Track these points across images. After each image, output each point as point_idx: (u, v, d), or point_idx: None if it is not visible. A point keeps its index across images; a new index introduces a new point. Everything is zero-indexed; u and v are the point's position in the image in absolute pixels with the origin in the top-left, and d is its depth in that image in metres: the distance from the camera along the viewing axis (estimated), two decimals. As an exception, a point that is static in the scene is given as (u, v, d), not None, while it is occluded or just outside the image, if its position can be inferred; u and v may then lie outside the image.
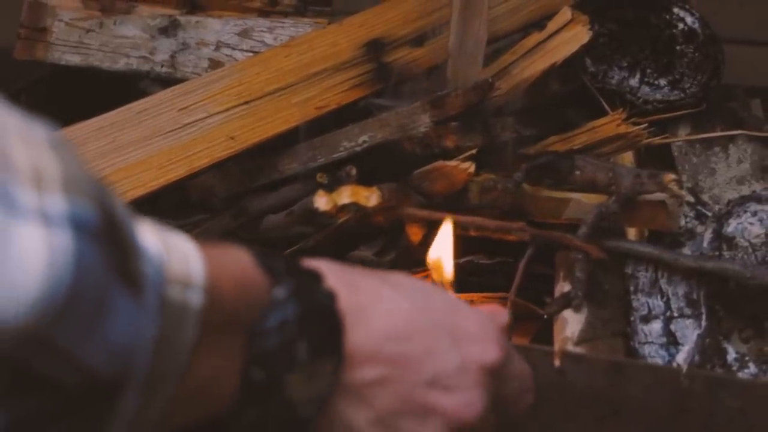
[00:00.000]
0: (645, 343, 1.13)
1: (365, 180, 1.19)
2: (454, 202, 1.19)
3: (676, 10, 1.34)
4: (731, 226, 1.17)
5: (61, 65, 1.38)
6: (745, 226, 1.17)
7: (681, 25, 1.34)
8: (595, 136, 1.24)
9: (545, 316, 1.13)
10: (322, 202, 1.16)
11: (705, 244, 1.18)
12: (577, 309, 1.12)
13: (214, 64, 1.34)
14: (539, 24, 1.29)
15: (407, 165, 1.20)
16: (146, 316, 0.47)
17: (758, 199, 1.19)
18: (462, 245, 1.14)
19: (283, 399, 0.56)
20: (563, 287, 1.15)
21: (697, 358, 1.11)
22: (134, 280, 0.46)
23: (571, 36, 1.25)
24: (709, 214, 1.23)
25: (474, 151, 1.19)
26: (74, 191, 0.44)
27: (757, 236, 1.16)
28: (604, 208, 1.14)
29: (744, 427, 1.01)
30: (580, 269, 1.14)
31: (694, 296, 1.15)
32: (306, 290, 0.57)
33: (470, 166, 1.18)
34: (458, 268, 1.02)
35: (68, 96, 1.37)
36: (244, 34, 1.35)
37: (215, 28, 1.36)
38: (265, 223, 1.23)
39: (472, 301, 1.20)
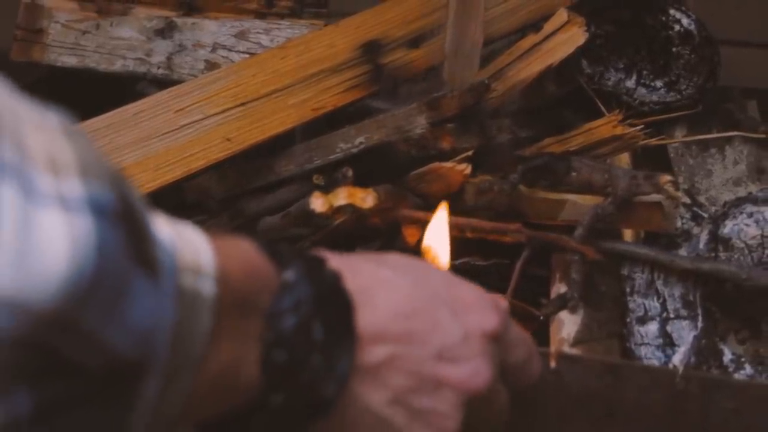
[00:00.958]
0: (641, 345, 1.13)
1: (361, 181, 1.19)
2: (450, 204, 1.19)
3: (672, 11, 1.34)
4: (727, 228, 1.17)
5: (58, 67, 1.38)
6: (741, 228, 1.17)
7: (677, 27, 1.34)
8: (592, 138, 1.24)
9: (541, 318, 1.13)
10: (318, 203, 1.16)
11: (701, 246, 1.18)
12: (573, 310, 1.12)
13: (211, 65, 1.34)
14: (535, 25, 1.29)
15: (403, 166, 1.20)
16: (164, 301, 0.47)
17: (754, 200, 1.19)
18: (458, 247, 1.14)
19: (308, 379, 0.56)
20: (559, 289, 1.15)
21: (693, 359, 1.11)
22: (151, 264, 0.47)
23: (567, 37, 1.25)
24: (705, 215, 1.23)
25: (470, 153, 1.20)
26: (91, 175, 0.44)
27: (753, 237, 1.16)
28: (600, 210, 1.15)
29: (740, 429, 1.01)
30: (576, 271, 1.14)
31: (691, 297, 1.15)
32: (314, 271, 0.58)
33: (466, 168, 1.18)
34: (454, 269, 1.02)
35: (64, 98, 1.37)
36: (241, 35, 1.35)
37: (212, 29, 1.36)
38: (261, 225, 1.23)
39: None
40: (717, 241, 1.18)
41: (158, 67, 1.36)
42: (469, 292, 0.65)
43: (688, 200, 1.25)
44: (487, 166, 1.21)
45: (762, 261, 1.15)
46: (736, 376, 1.11)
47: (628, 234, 1.22)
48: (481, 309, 0.64)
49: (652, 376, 1.02)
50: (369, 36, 1.28)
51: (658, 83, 1.34)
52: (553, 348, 1.07)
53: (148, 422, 0.48)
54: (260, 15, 1.38)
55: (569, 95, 1.34)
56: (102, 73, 1.37)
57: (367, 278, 0.61)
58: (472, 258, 1.23)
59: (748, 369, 1.12)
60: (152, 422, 0.48)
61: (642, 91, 1.34)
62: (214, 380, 0.52)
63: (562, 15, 1.26)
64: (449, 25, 1.23)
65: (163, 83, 1.33)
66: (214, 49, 1.35)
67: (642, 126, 1.25)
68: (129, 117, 1.26)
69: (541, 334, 1.12)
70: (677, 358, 1.11)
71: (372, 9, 1.30)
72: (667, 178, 1.14)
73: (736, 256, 1.16)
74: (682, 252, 1.20)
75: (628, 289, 1.16)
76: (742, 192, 1.28)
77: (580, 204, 1.17)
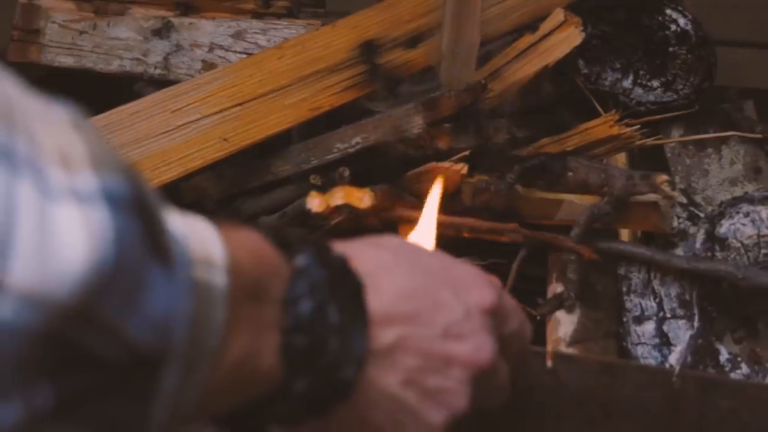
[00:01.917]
0: (637, 344, 1.13)
1: (358, 181, 1.19)
2: (446, 204, 1.19)
3: (668, 11, 1.34)
4: (724, 227, 1.17)
5: (55, 67, 1.38)
6: (738, 227, 1.17)
7: (674, 27, 1.34)
8: (588, 138, 1.24)
9: (538, 317, 1.13)
10: (315, 203, 1.16)
11: (697, 245, 1.18)
12: (569, 310, 1.12)
13: (208, 65, 1.34)
14: (532, 26, 1.29)
15: (400, 166, 1.20)
16: (181, 292, 0.47)
17: (751, 200, 1.19)
18: (455, 247, 1.14)
19: (328, 363, 0.56)
20: (556, 288, 1.15)
21: (689, 358, 1.11)
22: (167, 255, 0.47)
23: (564, 38, 1.25)
24: (702, 215, 1.23)
25: (467, 153, 1.20)
26: (103, 167, 0.45)
27: (750, 237, 1.16)
28: (596, 210, 1.15)
29: (736, 428, 1.01)
30: (572, 270, 1.14)
31: (687, 297, 1.15)
32: (324, 256, 0.58)
33: (463, 168, 1.18)
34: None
35: (61, 98, 1.37)
36: (238, 35, 1.35)
37: (208, 29, 1.36)
38: (258, 225, 1.23)
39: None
40: (713, 240, 1.18)
41: (155, 67, 1.36)
42: (465, 270, 0.66)
43: (684, 200, 1.25)
44: (484, 166, 1.21)
45: (758, 261, 1.15)
46: (733, 375, 1.12)
47: (624, 234, 1.22)
48: (479, 285, 0.65)
49: (648, 376, 1.02)
50: (366, 36, 1.28)
51: (655, 83, 1.34)
52: (549, 347, 1.07)
53: (168, 413, 0.48)
54: (257, 15, 1.38)
55: (566, 95, 1.34)
56: (99, 73, 1.37)
57: (370, 262, 0.61)
58: (469, 258, 1.23)
59: (745, 369, 1.12)
60: (172, 414, 0.48)
61: (639, 91, 1.34)
62: (232, 371, 0.52)
63: (558, 15, 1.26)
64: (446, 25, 1.23)
65: (160, 83, 1.33)
66: (211, 49, 1.35)
67: (638, 126, 1.25)
68: (126, 117, 1.26)
69: (538, 333, 1.12)
70: (674, 358, 1.11)
71: (369, 9, 1.30)
72: (664, 177, 1.14)
73: (732, 256, 1.16)
74: (679, 252, 1.20)
75: (624, 289, 1.16)
76: (738, 192, 1.28)
77: (577, 204, 1.18)
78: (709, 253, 1.17)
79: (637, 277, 1.17)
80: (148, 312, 0.45)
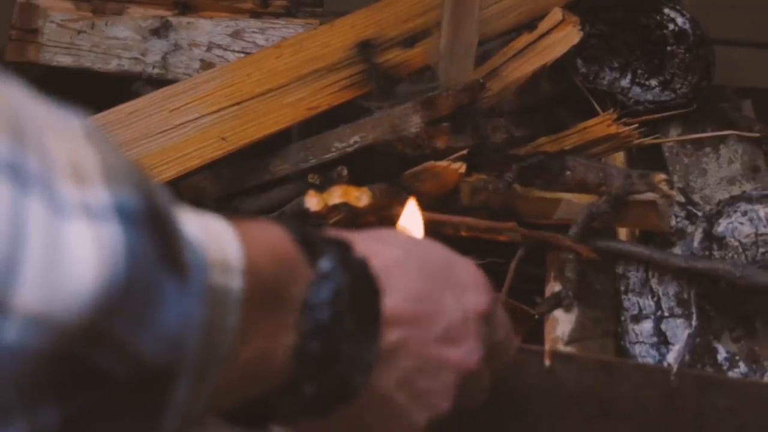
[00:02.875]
0: (635, 343, 1.14)
1: (356, 180, 1.19)
2: (445, 203, 1.19)
3: (666, 10, 1.34)
4: (721, 226, 1.17)
5: (53, 66, 1.38)
6: (736, 226, 1.17)
7: (672, 26, 1.34)
8: (586, 137, 1.24)
9: (536, 316, 1.13)
10: (313, 202, 1.16)
11: (695, 244, 1.18)
12: (567, 309, 1.12)
13: (206, 65, 1.34)
14: (530, 25, 1.29)
15: (398, 165, 1.20)
16: (194, 303, 0.46)
17: (748, 199, 1.19)
18: (453, 246, 1.14)
19: (339, 370, 0.56)
20: (554, 287, 1.15)
21: (687, 357, 1.11)
22: (181, 266, 0.46)
23: (562, 37, 1.25)
24: (700, 214, 1.23)
25: (465, 152, 1.20)
26: (115, 181, 0.44)
27: (747, 236, 1.16)
28: (594, 209, 1.15)
29: (734, 427, 1.01)
30: (570, 269, 1.14)
31: (685, 296, 1.15)
32: (347, 259, 0.57)
33: (461, 167, 1.18)
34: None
35: (60, 97, 1.37)
36: (236, 35, 1.35)
37: (207, 29, 1.36)
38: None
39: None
40: (711, 239, 1.18)
41: (153, 67, 1.36)
42: (466, 270, 0.66)
43: (682, 199, 1.26)
44: (482, 166, 1.21)
45: (756, 259, 1.15)
46: (731, 374, 1.12)
47: (622, 233, 1.22)
48: (476, 289, 0.65)
49: (646, 375, 1.03)
50: (364, 35, 1.28)
51: (653, 82, 1.34)
52: (547, 346, 1.07)
53: (178, 422, 0.47)
54: (255, 14, 1.38)
55: (564, 94, 1.34)
56: (97, 72, 1.37)
57: (383, 260, 0.60)
58: (468, 257, 1.22)
59: (743, 367, 1.13)
60: (182, 420, 0.48)
61: (637, 90, 1.34)
62: (242, 372, 0.51)
63: (556, 14, 1.26)
64: (444, 25, 1.23)
65: (158, 83, 1.33)
66: (209, 49, 1.35)
67: (637, 125, 1.25)
68: (124, 116, 1.26)
69: (536, 332, 1.12)
70: (671, 357, 1.11)
71: (367, 8, 1.30)
72: (662, 176, 1.14)
73: (730, 255, 1.16)
74: (677, 250, 1.20)
75: (622, 288, 1.16)
76: (736, 191, 1.28)
77: (575, 203, 1.18)
78: (707, 252, 1.17)
79: (635, 276, 1.17)
80: (161, 326, 0.44)
